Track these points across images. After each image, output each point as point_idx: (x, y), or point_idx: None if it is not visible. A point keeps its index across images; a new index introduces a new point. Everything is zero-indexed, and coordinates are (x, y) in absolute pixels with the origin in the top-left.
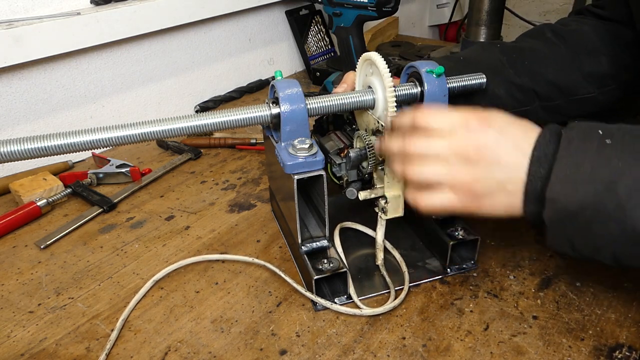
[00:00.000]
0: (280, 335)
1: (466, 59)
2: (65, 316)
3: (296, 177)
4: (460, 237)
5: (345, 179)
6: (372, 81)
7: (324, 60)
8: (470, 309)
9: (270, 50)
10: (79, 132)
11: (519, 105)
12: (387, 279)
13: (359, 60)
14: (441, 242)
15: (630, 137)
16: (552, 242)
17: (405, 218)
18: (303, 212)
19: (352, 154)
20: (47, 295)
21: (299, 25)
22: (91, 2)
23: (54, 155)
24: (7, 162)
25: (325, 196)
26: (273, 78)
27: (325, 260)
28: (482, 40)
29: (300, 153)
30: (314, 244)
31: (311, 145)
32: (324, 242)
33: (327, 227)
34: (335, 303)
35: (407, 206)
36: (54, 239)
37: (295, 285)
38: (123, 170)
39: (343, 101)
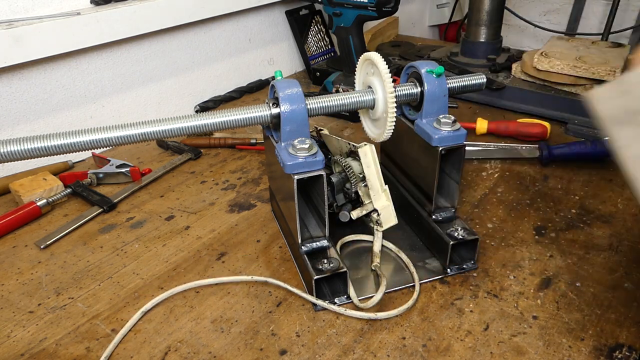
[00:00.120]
0: (280, 335)
1: None
2: (65, 316)
3: (296, 177)
4: (460, 237)
5: (335, 204)
6: (372, 81)
7: (324, 60)
8: (470, 309)
9: (270, 50)
10: (79, 132)
11: None
12: (384, 281)
13: (359, 60)
14: (441, 242)
15: None
16: None
17: (405, 218)
18: (303, 212)
19: (334, 179)
20: (47, 295)
21: (299, 25)
22: (91, 2)
23: (54, 155)
24: (7, 162)
25: (326, 196)
26: (273, 78)
27: (325, 260)
28: (482, 40)
29: (300, 153)
30: (314, 244)
31: (311, 145)
32: (324, 242)
33: (327, 227)
34: (335, 304)
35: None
36: (54, 239)
37: (294, 290)
38: (123, 170)
39: (343, 101)
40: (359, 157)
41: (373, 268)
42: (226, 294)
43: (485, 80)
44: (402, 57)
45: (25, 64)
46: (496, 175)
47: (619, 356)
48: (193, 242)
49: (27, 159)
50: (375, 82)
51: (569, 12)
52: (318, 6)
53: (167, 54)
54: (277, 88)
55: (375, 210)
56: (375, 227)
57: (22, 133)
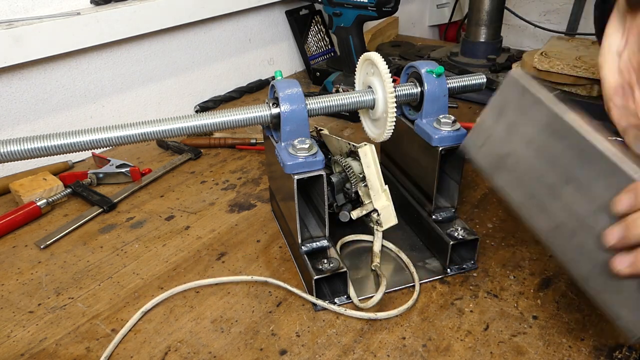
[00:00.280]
0: (280, 335)
1: None
2: (65, 316)
3: (296, 177)
4: (460, 237)
5: (335, 204)
6: (372, 81)
7: (324, 60)
8: (470, 309)
9: (270, 50)
10: (79, 132)
11: None
12: (384, 281)
13: (359, 60)
14: (441, 242)
15: None
16: None
17: (405, 218)
18: (303, 212)
19: (334, 179)
20: (47, 295)
21: (299, 25)
22: (91, 2)
23: (54, 155)
24: (7, 162)
25: (326, 196)
26: (273, 78)
27: (325, 260)
28: (482, 40)
29: (300, 153)
30: (314, 244)
31: (311, 145)
32: (324, 242)
33: (326, 227)
34: (335, 304)
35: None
36: (54, 239)
37: (294, 290)
38: (123, 170)
39: (343, 101)
40: (359, 157)
41: (373, 268)
42: (226, 294)
43: (485, 80)
44: (402, 57)
45: (25, 64)
46: None
47: (619, 356)
48: (193, 242)
49: (27, 159)
50: (375, 82)
51: (569, 12)
52: (318, 6)
53: (167, 54)
54: (277, 88)
55: (375, 210)
56: (375, 227)
57: (22, 133)
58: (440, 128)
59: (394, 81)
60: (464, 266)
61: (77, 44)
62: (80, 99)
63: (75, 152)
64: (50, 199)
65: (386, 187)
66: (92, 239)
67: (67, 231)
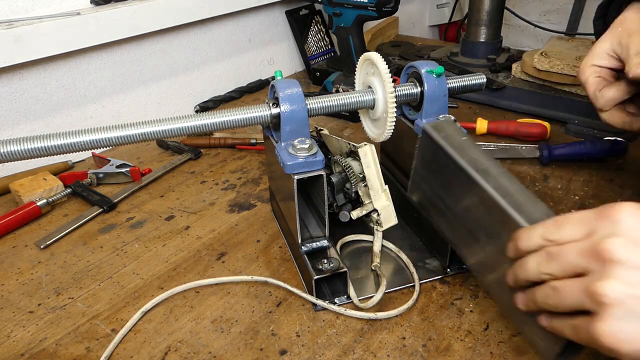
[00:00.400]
0: (280, 335)
1: None
2: (65, 316)
3: (296, 177)
4: None
5: (335, 204)
6: (372, 81)
7: (324, 60)
8: (470, 309)
9: (270, 50)
10: (79, 132)
11: None
12: (384, 281)
13: (359, 60)
14: (441, 242)
15: None
16: None
17: (405, 218)
18: (303, 212)
19: (334, 179)
20: (47, 295)
21: (299, 25)
22: (91, 2)
23: (54, 155)
24: (7, 162)
25: (326, 196)
26: (273, 78)
27: (325, 260)
28: (482, 40)
29: (300, 153)
30: (314, 244)
31: (311, 145)
32: (324, 242)
33: (327, 227)
34: (335, 304)
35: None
36: (54, 239)
37: (294, 290)
38: (123, 170)
39: (343, 101)
40: (359, 157)
41: (373, 268)
42: (226, 294)
43: (485, 80)
44: (402, 57)
45: (25, 64)
46: None
47: None
48: (193, 242)
49: (27, 159)
50: (375, 82)
51: (569, 12)
52: (318, 6)
53: (167, 54)
54: (277, 88)
55: (375, 210)
56: (375, 227)
57: (22, 133)
58: None
59: (394, 81)
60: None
61: (77, 44)
62: (80, 99)
63: (75, 152)
64: (50, 199)
65: (386, 187)
66: (92, 239)
67: (67, 231)
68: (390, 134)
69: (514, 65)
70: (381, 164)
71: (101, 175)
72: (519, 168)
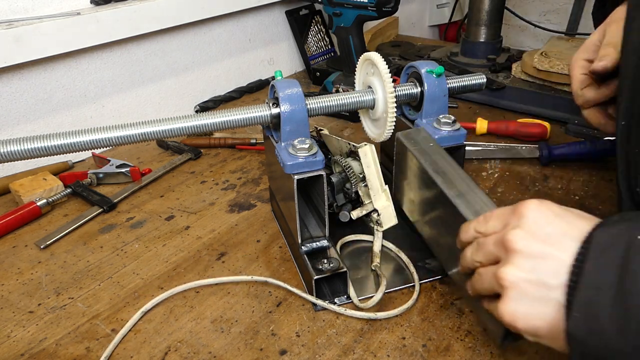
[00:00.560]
0: (280, 335)
1: None
2: (65, 316)
3: (296, 177)
4: None
5: (335, 204)
6: (372, 81)
7: (324, 60)
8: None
9: (270, 50)
10: (79, 132)
11: None
12: (384, 281)
13: (359, 60)
14: None
15: None
16: None
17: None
18: (303, 212)
19: (334, 179)
20: (47, 295)
21: (299, 25)
22: (91, 2)
23: (54, 155)
24: (7, 162)
25: (326, 196)
26: (273, 78)
27: (325, 260)
28: (482, 40)
29: (300, 153)
30: (314, 244)
31: (311, 145)
32: (324, 242)
33: (327, 227)
34: (335, 304)
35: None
36: (54, 239)
37: (294, 290)
38: (123, 170)
39: (343, 101)
40: (359, 157)
41: (373, 268)
42: (226, 294)
43: (485, 80)
44: (402, 57)
45: (25, 64)
46: (496, 175)
47: None
48: (193, 242)
49: (27, 159)
50: (375, 82)
51: (569, 12)
52: (318, 6)
53: (167, 54)
54: (277, 88)
55: (375, 210)
56: (375, 227)
57: (22, 133)
58: (440, 128)
59: (394, 81)
60: None
61: (77, 44)
62: (80, 99)
63: (75, 152)
64: (50, 199)
65: (386, 187)
66: (92, 239)
67: (67, 231)
68: (390, 134)
69: (514, 65)
70: (381, 164)
71: (101, 175)
72: (519, 168)
